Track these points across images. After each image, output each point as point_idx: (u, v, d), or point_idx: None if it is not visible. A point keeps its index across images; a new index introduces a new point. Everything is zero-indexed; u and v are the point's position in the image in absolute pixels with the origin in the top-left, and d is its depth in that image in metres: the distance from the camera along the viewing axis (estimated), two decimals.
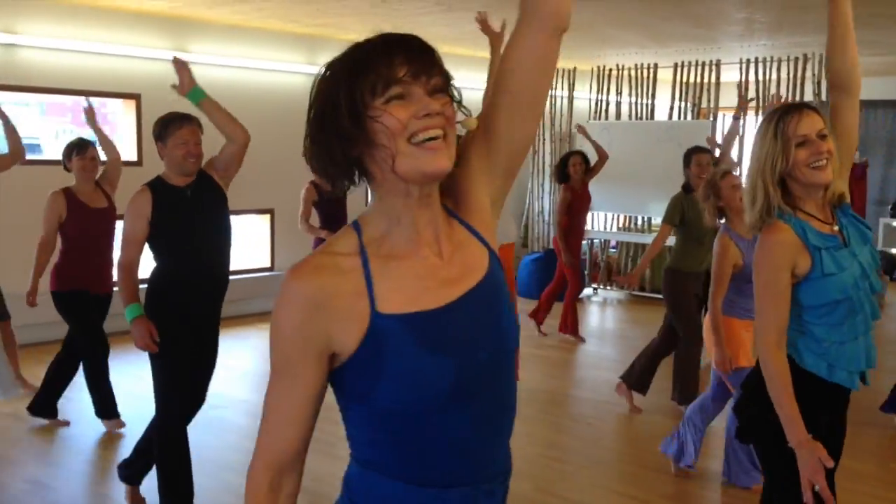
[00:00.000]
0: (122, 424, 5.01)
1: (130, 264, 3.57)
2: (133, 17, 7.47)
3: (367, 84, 1.22)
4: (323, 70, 1.30)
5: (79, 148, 4.92)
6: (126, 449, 4.30)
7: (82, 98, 5.84)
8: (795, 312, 2.32)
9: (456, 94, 1.30)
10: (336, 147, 1.26)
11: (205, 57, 7.99)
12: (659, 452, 4.45)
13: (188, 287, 3.63)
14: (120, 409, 5.08)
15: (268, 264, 8.71)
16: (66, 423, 5.05)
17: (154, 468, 3.76)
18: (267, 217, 8.63)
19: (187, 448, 3.72)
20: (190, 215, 3.58)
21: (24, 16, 6.89)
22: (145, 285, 3.66)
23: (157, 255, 3.68)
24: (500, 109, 1.41)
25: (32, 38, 6.91)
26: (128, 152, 7.66)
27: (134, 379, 5.61)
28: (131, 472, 3.96)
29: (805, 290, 2.29)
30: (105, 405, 5.01)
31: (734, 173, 4.14)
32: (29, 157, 5.37)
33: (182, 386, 3.64)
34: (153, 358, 3.61)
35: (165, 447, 3.67)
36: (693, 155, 5.55)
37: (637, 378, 5.45)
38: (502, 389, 1.36)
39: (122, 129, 7.88)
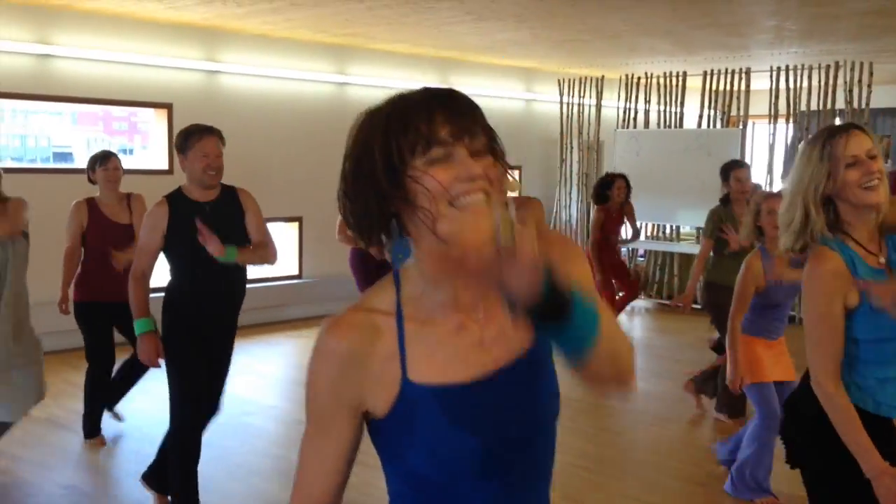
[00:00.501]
0: (103, 443, 4.91)
1: (142, 274, 3.61)
2: (165, 27, 7.57)
3: (408, 143, 1.16)
4: (361, 118, 1.24)
5: (102, 159, 4.98)
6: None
7: (112, 108, 5.87)
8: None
9: (500, 152, 1.22)
10: (373, 203, 1.20)
11: (235, 67, 8.09)
12: (689, 462, 4.41)
13: (200, 301, 3.67)
14: (130, 412, 5.11)
15: (296, 272, 8.77)
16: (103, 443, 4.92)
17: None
18: (295, 225, 8.69)
19: (197, 455, 3.74)
20: (209, 228, 3.56)
21: (58, 27, 7.01)
22: (161, 293, 3.71)
23: (172, 268, 3.73)
24: None
25: (66, 48, 7.03)
26: (159, 161, 7.77)
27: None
28: (161, 482, 3.96)
29: (853, 323, 2.18)
30: (91, 421, 4.93)
31: (777, 198, 4.07)
32: (61, 165, 5.44)
33: (194, 395, 3.67)
34: (168, 367, 3.66)
35: (177, 454, 3.71)
36: (731, 170, 5.58)
37: (703, 383, 5.49)
38: (536, 462, 1.32)
39: (154, 138, 7.98)
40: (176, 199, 3.64)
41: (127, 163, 5.50)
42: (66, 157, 13.66)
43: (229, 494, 3.86)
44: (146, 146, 9.05)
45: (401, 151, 1.16)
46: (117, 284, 4.71)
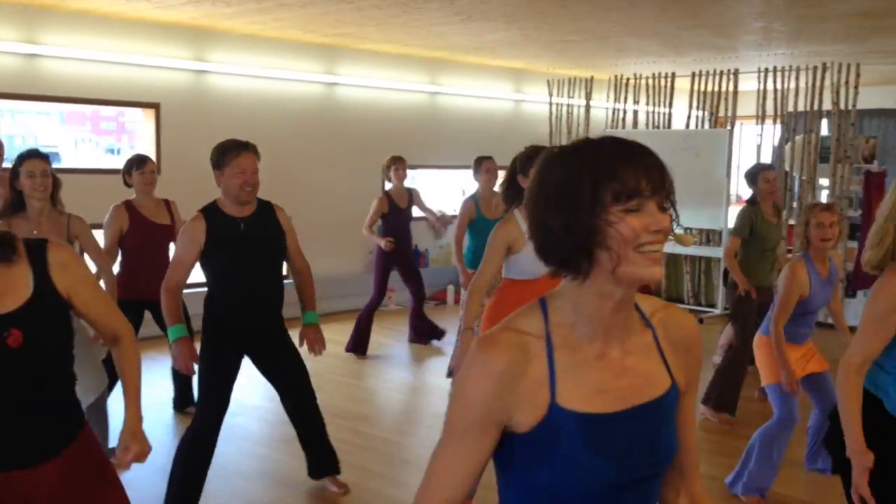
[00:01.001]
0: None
1: (176, 286, 3.65)
2: (153, 27, 7.54)
3: (611, 190, 1.27)
4: (558, 156, 1.34)
5: (138, 163, 5.09)
6: None
7: (100, 108, 5.92)
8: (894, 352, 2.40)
9: (674, 210, 1.34)
10: (563, 235, 1.30)
11: (223, 66, 8.07)
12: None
13: (241, 312, 3.76)
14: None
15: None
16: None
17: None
18: None
19: (205, 460, 3.78)
20: (241, 250, 3.64)
21: (45, 26, 6.98)
22: (198, 288, 3.77)
23: (210, 280, 3.78)
24: None
25: (53, 48, 7.00)
26: None
27: (155, 386, 5.65)
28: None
29: None
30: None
31: (830, 211, 4.05)
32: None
33: (217, 404, 3.75)
34: (201, 374, 3.76)
35: (185, 453, 3.75)
36: (760, 172, 5.70)
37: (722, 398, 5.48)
38: (647, 498, 1.43)
39: (141, 137, 7.95)
40: (212, 213, 3.67)
41: (114, 163, 5.50)
42: (53, 156, 13.63)
43: (212, 495, 3.85)
44: (133, 146, 9.02)
45: (604, 196, 1.27)
46: (155, 281, 4.81)
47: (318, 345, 3.95)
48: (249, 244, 3.64)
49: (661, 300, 1.51)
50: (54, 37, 7.02)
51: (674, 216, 1.33)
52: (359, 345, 7.15)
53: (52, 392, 2.10)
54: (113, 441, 4.64)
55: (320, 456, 4.20)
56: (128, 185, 5.12)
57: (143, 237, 4.99)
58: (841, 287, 8.38)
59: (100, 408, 4.11)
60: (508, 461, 1.37)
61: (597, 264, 1.30)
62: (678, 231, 1.36)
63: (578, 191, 1.28)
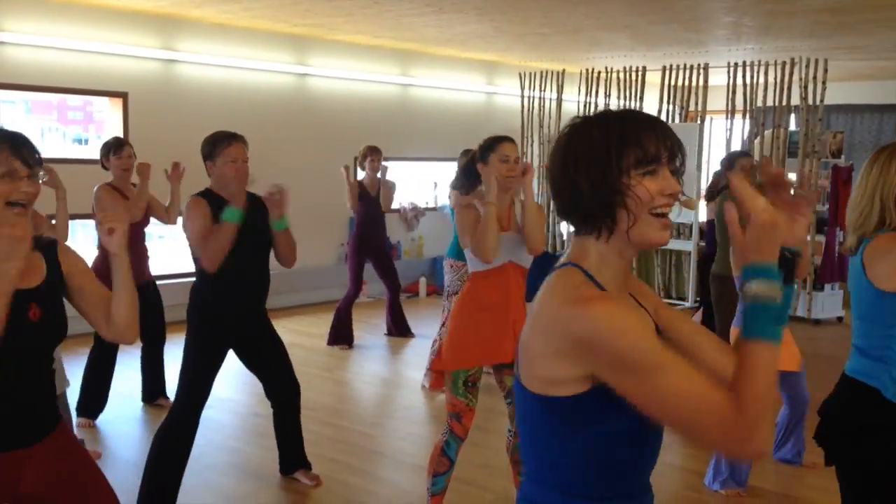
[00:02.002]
0: (91, 425, 5.02)
1: (208, 262, 3.60)
2: (120, 14, 7.43)
3: (634, 155, 1.40)
4: (584, 124, 1.47)
5: (115, 147, 5.06)
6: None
7: (67, 97, 5.86)
8: (890, 330, 2.37)
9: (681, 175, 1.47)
10: (590, 193, 1.42)
11: (192, 56, 7.97)
12: (663, 463, 4.46)
13: (225, 301, 3.74)
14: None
15: None
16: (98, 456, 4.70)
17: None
18: None
19: (187, 449, 3.75)
20: (235, 237, 3.62)
21: (10, 13, 6.84)
22: (184, 279, 3.69)
23: (198, 267, 3.74)
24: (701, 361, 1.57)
25: (19, 35, 6.86)
26: None
27: (122, 379, 5.59)
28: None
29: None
30: (90, 401, 5.03)
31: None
32: None
33: (198, 394, 3.73)
34: (183, 362, 3.74)
35: (162, 442, 3.70)
36: (738, 159, 5.76)
37: None
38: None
39: (108, 127, 7.83)
40: (209, 197, 3.70)
41: (82, 152, 5.44)
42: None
43: (184, 489, 3.80)
44: (100, 136, 8.88)
45: (628, 160, 1.40)
46: (135, 266, 4.76)
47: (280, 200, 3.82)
48: (243, 231, 3.64)
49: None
50: (19, 24, 6.89)
51: (682, 183, 1.46)
52: (342, 336, 7.13)
53: (46, 375, 2.24)
54: (76, 434, 4.59)
55: (294, 451, 4.20)
56: (106, 168, 5.09)
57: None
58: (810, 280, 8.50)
59: (64, 403, 4.08)
60: (584, 419, 1.42)
61: (616, 223, 1.43)
62: (683, 197, 1.49)
63: (606, 154, 1.41)
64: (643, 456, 1.50)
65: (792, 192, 1.48)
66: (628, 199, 1.41)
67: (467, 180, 3.78)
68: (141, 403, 5.43)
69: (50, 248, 2.25)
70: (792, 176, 8.94)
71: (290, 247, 3.90)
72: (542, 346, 1.42)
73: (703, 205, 7.94)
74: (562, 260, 1.52)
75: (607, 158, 1.41)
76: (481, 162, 3.57)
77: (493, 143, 3.57)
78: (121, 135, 7.47)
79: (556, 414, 1.44)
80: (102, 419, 5.11)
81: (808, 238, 8.42)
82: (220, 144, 3.71)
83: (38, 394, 2.20)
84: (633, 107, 9.99)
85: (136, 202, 4.99)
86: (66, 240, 4.80)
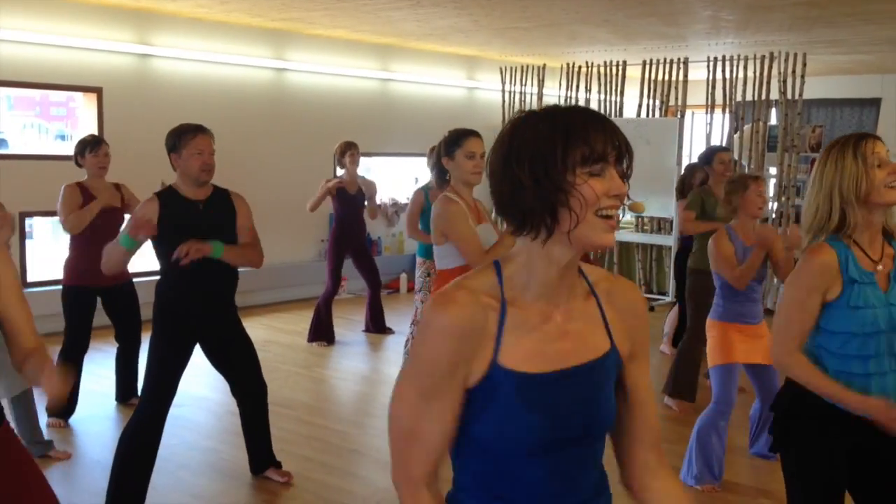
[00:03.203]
0: (63, 425, 4.96)
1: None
2: (94, 8, 7.33)
3: (581, 152, 1.33)
4: (529, 117, 1.40)
5: (92, 145, 5.01)
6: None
7: (50, 93, 5.83)
8: (814, 338, 2.40)
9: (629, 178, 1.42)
10: (532, 189, 1.34)
11: (168, 51, 7.88)
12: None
13: (193, 301, 3.69)
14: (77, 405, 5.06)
15: None
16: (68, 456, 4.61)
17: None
18: None
19: (154, 448, 3.70)
20: (198, 230, 3.58)
21: None
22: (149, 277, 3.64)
23: (162, 265, 3.70)
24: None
25: None
26: None
27: (95, 378, 5.52)
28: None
29: (827, 315, 2.36)
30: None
31: (761, 181, 4.26)
32: None
33: (162, 396, 3.68)
34: (147, 364, 3.69)
35: (127, 445, 3.64)
36: (717, 153, 5.77)
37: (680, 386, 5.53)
38: (584, 456, 1.46)
39: (84, 123, 7.74)
40: (167, 197, 3.64)
41: (65, 149, 5.37)
42: (0, 143, 13.26)
43: (157, 488, 3.76)
44: (74, 132, 8.79)
45: (573, 158, 1.33)
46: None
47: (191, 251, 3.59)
48: (206, 227, 3.61)
49: (608, 272, 1.55)
50: None
51: (629, 186, 1.40)
52: (321, 333, 7.09)
53: None
54: (46, 434, 4.53)
55: (262, 449, 4.17)
56: (80, 166, 5.03)
57: (94, 221, 4.88)
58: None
59: (27, 402, 4.01)
60: (464, 409, 1.41)
61: (556, 224, 1.35)
62: (629, 202, 1.43)
63: (551, 149, 1.33)
64: (525, 482, 1.41)
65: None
66: (572, 199, 1.33)
67: (444, 182, 3.72)
68: (114, 403, 5.37)
69: None
70: (772, 170, 8.97)
71: (244, 259, 3.79)
72: None
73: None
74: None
75: (552, 154, 1.33)
76: (446, 156, 3.54)
77: (459, 138, 3.52)
78: (95, 131, 7.38)
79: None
80: (74, 419, 5.04)
81: (786, 231, 8.44)
82: (185, 136, 3.63)
83: None
84: (613, 101, 10.00)
85: (90, 211, 4.89)
86: None
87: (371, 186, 7.10)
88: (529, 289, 1.41)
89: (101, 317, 5.17)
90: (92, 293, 4.99)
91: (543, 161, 1.34)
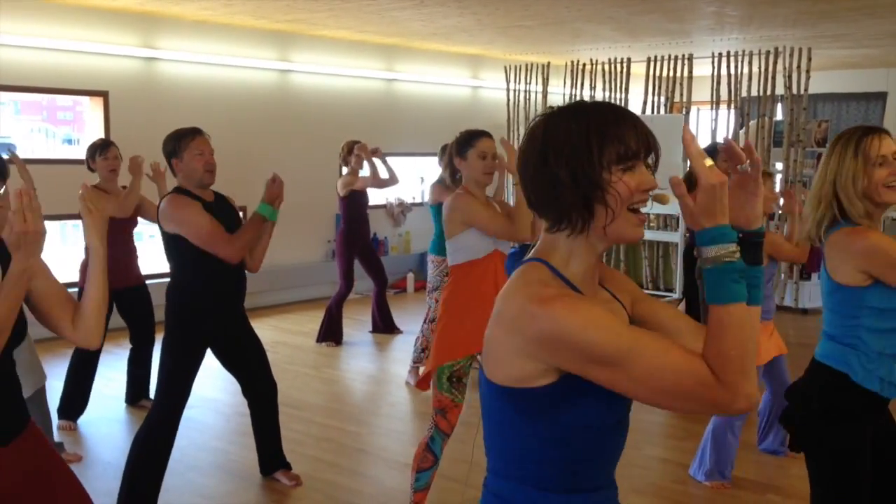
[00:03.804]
0: (75, 429, 4.99)
1: (237, 252, 3.61)
2: (100, 13, 7.36)
3: (615, 150, 1.38)
4: (561, 116, 1.42)
5: (102, 148, 5.05)
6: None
7: (57, 97, 5.85)
8: (855, 320, 2.38)
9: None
10: (571, 186, 1.38)
11: (173, 53, 7.90)
12: (640, 450, 4.44)
13: (202, 301, 3.70)
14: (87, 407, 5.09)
15: None
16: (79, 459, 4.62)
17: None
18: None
19: (167, 451, 3.72)
20: None
21: None
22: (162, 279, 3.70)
23: (173, 267, 3.72)
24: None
25: (1, 35, 6.80)
26: None
27: (105, 380, 5.55)
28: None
29: (874, 291, 2.34)
30: (71, 403, 5.00)
31: (765, 175, 4.24)
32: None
33: (178, 395, 3.70)
34: (161, 362, 3.70)
35: (144, 445, 3.67)
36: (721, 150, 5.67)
37: None
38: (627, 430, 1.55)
39: (90, 127, 7.77)
40: (185, 193, 3.66)
41: (72, 153, 5.40)
42: (7, 147, 13.30)
43: (166, 489, 3.78)
44: (81, 136, 8.83)
45: (609, 155, 1.37)
46: (118, 271, 4.76)
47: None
48: (221, 223, 3.63)
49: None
50: (1, 24, 6.82)
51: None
52: (331, 333, 7.11)
53: (7, 377, 2.14)
54: (56, 436, 4.55)
55: (271, 451, 4.18)
56: (92, 170, 5.07)
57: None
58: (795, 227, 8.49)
59: (40, 402, 4.05)
60: (539, 413, 1.41)
61: (592, 220, 1.40)
62: (655, 192, 1.46)
63: (587, 148, 1.37)
64: (609, 448, 1.48)
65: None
66: (608, 195, 1.38)
67: (453, 175, 3.76)
68: (124, 405, 5.40)
69: (2, 247, 2.15)
70: (778, 165, 8.95)
71: (264, 247, 3.84)
72: (505, 342, 1.40)
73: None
74: (529, 254, 1.49)
75: (588, 152, 1.37)
76: (458, 157, 3.55)
77: (471, 139, 3.54)
78: (102, 134, 7.42)
79: (523, 406, 1.41)
80: (84, 421, 5.07)
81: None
82: (184, 139, 3.66)
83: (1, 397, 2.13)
84: (618, 98, 9.99)
85: (128, 196, 4.97)
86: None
87: (382, 159, 7.10)
88: (583, 276, 1.46)
89: (113, 319, 5.19)
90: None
91: (580, 160, 1.38)
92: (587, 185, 1.37)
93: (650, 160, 1.43)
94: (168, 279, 3.79)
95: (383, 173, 7.12)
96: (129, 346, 5.33)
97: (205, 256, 3.59)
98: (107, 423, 5.14)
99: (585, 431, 1.42)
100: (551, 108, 1.46)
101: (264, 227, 3.75)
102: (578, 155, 1.37)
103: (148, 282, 5.30)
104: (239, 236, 3.64)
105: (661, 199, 1.47)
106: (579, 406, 1.40)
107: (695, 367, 1.30)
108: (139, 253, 5.30)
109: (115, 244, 4.89)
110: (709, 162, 1.31)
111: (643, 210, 1.43)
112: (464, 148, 3.54)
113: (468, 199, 3.49)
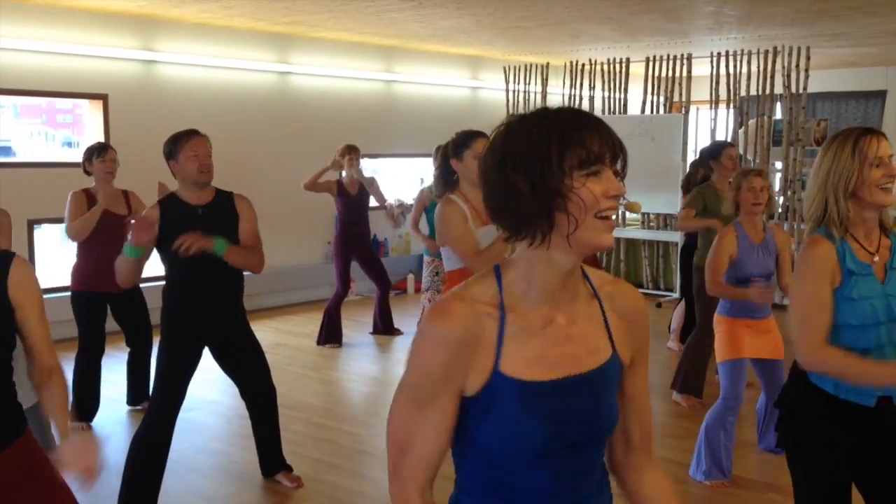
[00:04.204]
0: (88, 429, 5.04)
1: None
2: (98, 15, 7.37)
3: (577, 155, 1.31)
4: (522, 122, 1.37)
5: (99, 151, 5.06)
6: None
7: (56, 100, 5.87)
8: None
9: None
10: (529, 195, 1.33)
11: (172, 56, 7.91)
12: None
13: (195, 304, 3.72)
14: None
15: None
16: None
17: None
18: None
19: (164, 452, 3.73)
20: (206, 232, 3.59)
21: None
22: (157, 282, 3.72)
23: (168, 271, 3.74)
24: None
25: (1, 39, 6.81)
26: None
27: (107, 383, 5.55)
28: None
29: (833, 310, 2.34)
30: (81, 405, 5.03)
31: (761, 176, 4.19)
32: (2, 160, 5.40)
33: (172, 397, 3.71)
34: (157, 366, 3.72)
35: (141, 446, 3.68)
36: (725, 149, 5.67)
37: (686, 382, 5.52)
38: (588, 458, 1.47)
39: (90, 130, 7.78)
40: (168, 204, 3.67)
41: (72, 156, 5.41)
42: (6, 150, 13.31)
43: (167, 491, 3.79)
44: (80, 139, 8.84)
45: (570, 161, 1.31)
46: (112, 274, 4.72)
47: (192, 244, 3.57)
48: (207, 231, 3.60)
49: (611, 276, 1.55)
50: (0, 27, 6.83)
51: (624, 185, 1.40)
52: (331, 335, 7.12)
53: (2, 383, 2.15)
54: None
55: (271, 453, 4.19)
56: (88, 173, 5.07)
57: (100, 227, 4.92)
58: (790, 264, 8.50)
59: (40, 414, 4.06)
60: (463, 417, 1.41)
61: (554, 228, 1.33)
62: (624, 200, 1.42)
63: (546, 153, 1.31)
64: (534, 482, 1.42)
65: None
66: (570, 203, 1.31)
67: (446, 184, 3.70)
68: (126, 407, 5.40)
69: (2, 264, 2.15)
70: (778, 164, 8.95)
71: (245, 261, 3.77)
72: None
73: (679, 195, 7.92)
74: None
75: (547, 158, 1.31)
76: (455, 157, 3.54)
77: (467, 139, 3.52)
78: (102, 137, 7.42)
79: (461, 414, 1.42)
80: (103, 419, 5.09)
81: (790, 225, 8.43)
82: (179, 141, 3.67)
83: None
84: (618, 98, 10.00)
85: (91, 217, 4.91)
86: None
87: (372, 182, 7.14)
88: (530, 294, 1.39)
89: (112, 322, 5.22)
90: (100, 298, 5.04)
91: (539, 166, 1.31)
92: (546, 192, 1.31)
93: (618, 166, 1.36)
94: (162, 283, 3.80)
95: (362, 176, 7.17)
96: (128, 349, 5.34)
97: (197, 258, 3.58)
98: (108, 425, 5.15)
99: (496, 455, 1.40)
100: (514, 115, 1.42)
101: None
102: (537, 161, 1.31)
103: (142, 285, 5.30)
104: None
105: (632, 208, 1.47)
106: (488, 423, 1.38)
107: (392, 431, 1.42)
108: None
109: (110, 248, 4.92)
110: None
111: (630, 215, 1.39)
112: (460, 149, 3.52)
113: (450, 212, 3.44)
